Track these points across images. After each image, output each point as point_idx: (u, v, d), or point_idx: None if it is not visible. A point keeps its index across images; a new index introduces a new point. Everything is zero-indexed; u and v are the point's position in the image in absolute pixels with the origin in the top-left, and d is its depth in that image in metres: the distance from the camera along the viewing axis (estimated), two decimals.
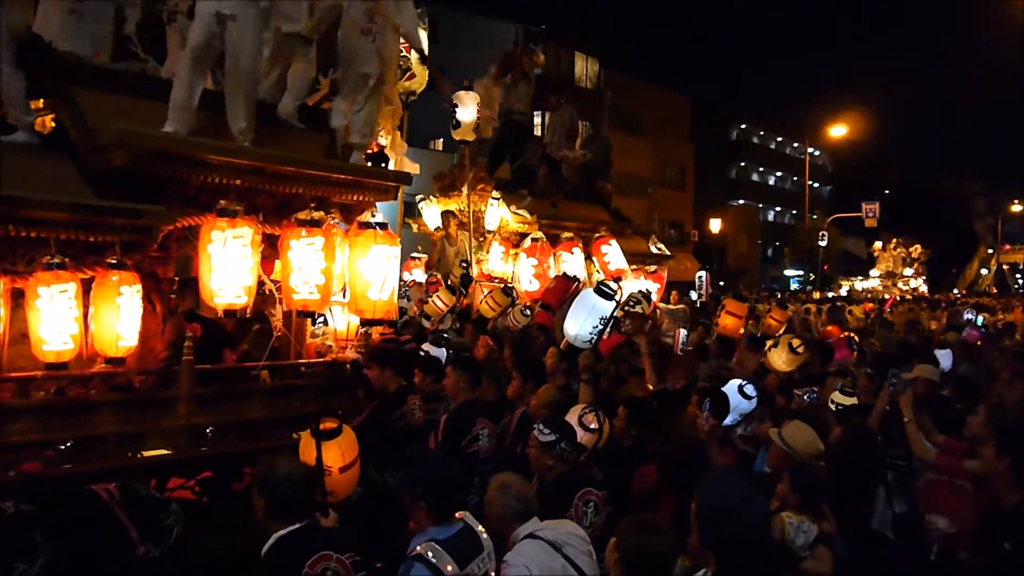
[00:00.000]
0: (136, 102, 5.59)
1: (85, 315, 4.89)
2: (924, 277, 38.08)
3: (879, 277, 37.34)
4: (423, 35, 10.10)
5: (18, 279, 4.75)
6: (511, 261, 10.42)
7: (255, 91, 5.84)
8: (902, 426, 5.06)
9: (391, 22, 6.64)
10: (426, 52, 9.69)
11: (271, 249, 5.59)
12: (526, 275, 9.91)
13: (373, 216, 6.03)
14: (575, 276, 8.87)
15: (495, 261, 10.39)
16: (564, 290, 7.47)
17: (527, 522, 3.42)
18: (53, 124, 5.51)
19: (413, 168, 9.66)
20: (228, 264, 5.17)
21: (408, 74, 9.55)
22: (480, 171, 10.88)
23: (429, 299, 8.37)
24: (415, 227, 11.67)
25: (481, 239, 10.71)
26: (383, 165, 7.14)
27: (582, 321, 5.23)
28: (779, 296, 26.80)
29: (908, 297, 28.79)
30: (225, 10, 5.46)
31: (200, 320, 5.56)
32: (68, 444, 4.69)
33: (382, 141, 8.11)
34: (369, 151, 6.78)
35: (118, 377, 5.21)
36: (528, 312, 8.15)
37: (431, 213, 11.16)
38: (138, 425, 5.05)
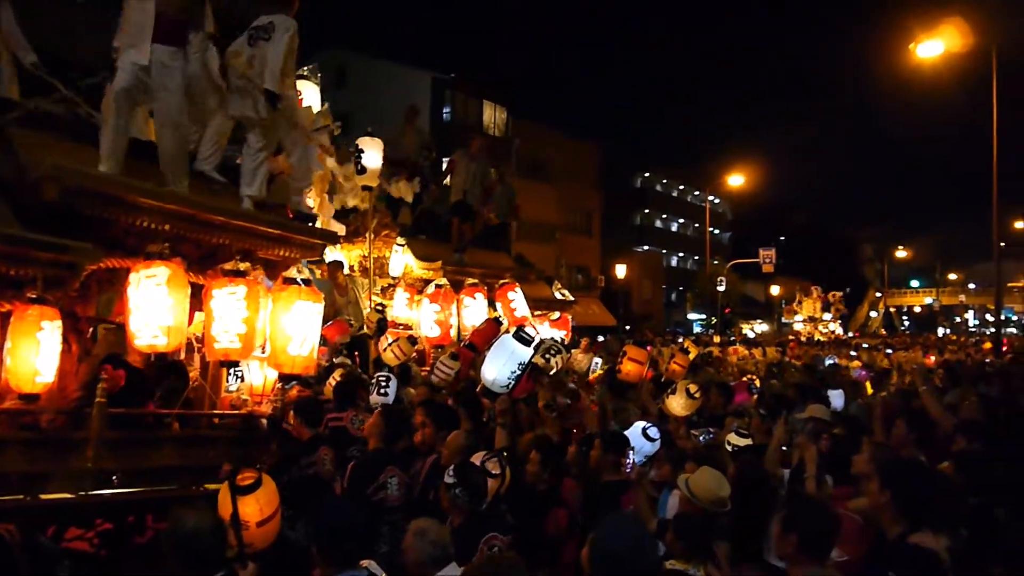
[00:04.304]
0: (68, 145, 5.58)
1: (0, 348, 4.80)
2: (839, 321, 41.80)
3: (802, 321, 40.68)
4: (311, 86, 9.91)
5: None
6: (416, 307, 10.37)
7: (185, 141, 5.90)
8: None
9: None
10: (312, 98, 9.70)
11: (192, 299, 5.54)
12: (427, 321, 9.74)
13: (299, 273, 6.05)
14: (499, 319, 8.87)
15: (400, 308, 10.35)
16: (492, 333, 7.36)
17: (445, 568, 3.44)
18: None
19: (340, 229, 9.69)
20: (144, 304, 5.14)
21: None
22: (384, 217, 10.96)
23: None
24: (318, 273, 11.56)
25: (375, 286, 10.63)
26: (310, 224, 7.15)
27: (501, 366, 5.23)
28: (681, 340, 27.59)
29: (813, 339, 31.68)
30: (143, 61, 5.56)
31: (125, 367, 5.44)
32: None
33: (310, 203, 8.11)
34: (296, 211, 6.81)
35: (26, 415, 5.08)
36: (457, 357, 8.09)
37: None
38: (44, 465, 4.90)
